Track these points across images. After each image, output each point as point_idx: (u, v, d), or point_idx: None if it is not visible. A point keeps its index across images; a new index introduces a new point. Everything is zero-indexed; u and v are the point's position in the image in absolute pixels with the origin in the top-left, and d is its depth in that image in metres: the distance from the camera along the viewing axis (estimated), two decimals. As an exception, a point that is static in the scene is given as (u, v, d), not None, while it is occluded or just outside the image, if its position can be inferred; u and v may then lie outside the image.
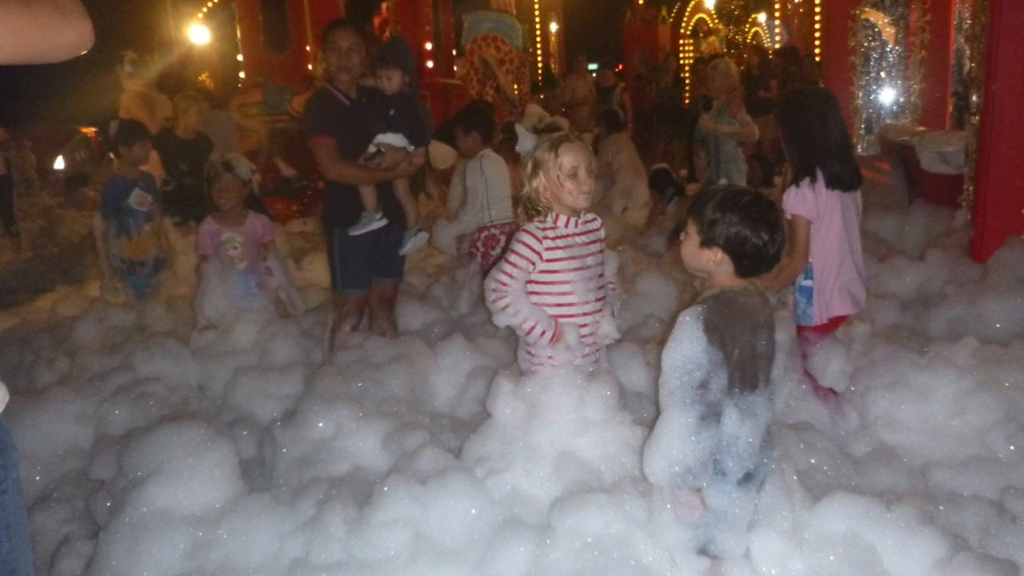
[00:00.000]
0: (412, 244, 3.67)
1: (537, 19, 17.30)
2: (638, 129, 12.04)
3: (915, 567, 1.96)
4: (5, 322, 5.26)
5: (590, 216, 2.54)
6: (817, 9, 11.00)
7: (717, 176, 5.41)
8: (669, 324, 1.99)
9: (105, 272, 4.77)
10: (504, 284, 2.39)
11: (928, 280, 4.11)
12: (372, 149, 3.42)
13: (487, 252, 4.31)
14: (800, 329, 2.92)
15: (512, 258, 2.40)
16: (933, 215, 5.05)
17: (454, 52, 12.75)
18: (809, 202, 2.76)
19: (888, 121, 7.11)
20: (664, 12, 19.22)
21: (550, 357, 2.44)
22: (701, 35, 19.73)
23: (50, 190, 11.17)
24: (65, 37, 1.20)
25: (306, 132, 3.45)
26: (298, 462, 2.65)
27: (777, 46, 15.29)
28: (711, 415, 1.80)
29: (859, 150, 7.04)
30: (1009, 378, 2.81)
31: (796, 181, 2.81)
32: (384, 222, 3.49)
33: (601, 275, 2.52)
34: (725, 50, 18.69)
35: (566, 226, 2.44)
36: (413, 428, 2.74)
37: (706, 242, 1.90)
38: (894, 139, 6.18)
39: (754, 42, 17.70)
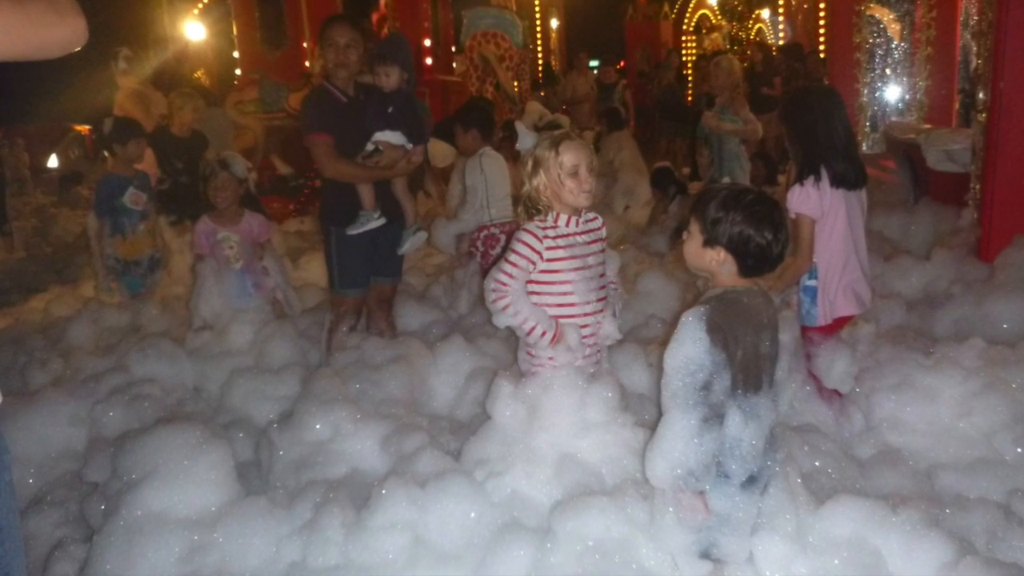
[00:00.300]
0: (411, 243, 3.65)
1: (538, 15, 17.28)
2: (640, 127, 11.99)
3: (921, 571, 1.94)
4: (-1, 322, 5.25)
5: (591, 215, 2.52)
6: (822, 5, 10.99)
7: (720, 174, 5.38)
8: (671, 325, 1.96)
9: (99, 272, 4.74)
10: (504, 284, 2.37)
11: (934, 280, 4.09)
12: (370, 147, 3.40)
13: (487, 251, 4.28)
14: (804, 330, 2.89)
15: (512, 258, 2.38)
16: (939, 214, 5.04)
17: (453, 49, 12.74)
18: (813, 201, 2.74)
19: (893, 118, 7.10)
20: (666, 8, 19.23)
21: (551, 358, 2.42)
22: (704, 31, 19.73)
23: (43, 189, 11.14)
24: (58, 34, 1.20)
25: (303, 130, 3.43)
26: (295, 464, 2.63)
27: (781, 42, 15.25)
28: (714, 417, 1.78)
29: (864, 148, 7.02)
30: (1016, 379, 2.80)
31: (800, 179, 2.78)
32: (382, 221, 3.46)
33: (602, 275, 2.50)
34: (728, 46, 18.67)
35: (567, 225, 2.41)
36: (412, 430, 2.72)
37: (709, 241, 1.88)
38: (899, 137, 6.15)
39: (758, 38, 17.62)
